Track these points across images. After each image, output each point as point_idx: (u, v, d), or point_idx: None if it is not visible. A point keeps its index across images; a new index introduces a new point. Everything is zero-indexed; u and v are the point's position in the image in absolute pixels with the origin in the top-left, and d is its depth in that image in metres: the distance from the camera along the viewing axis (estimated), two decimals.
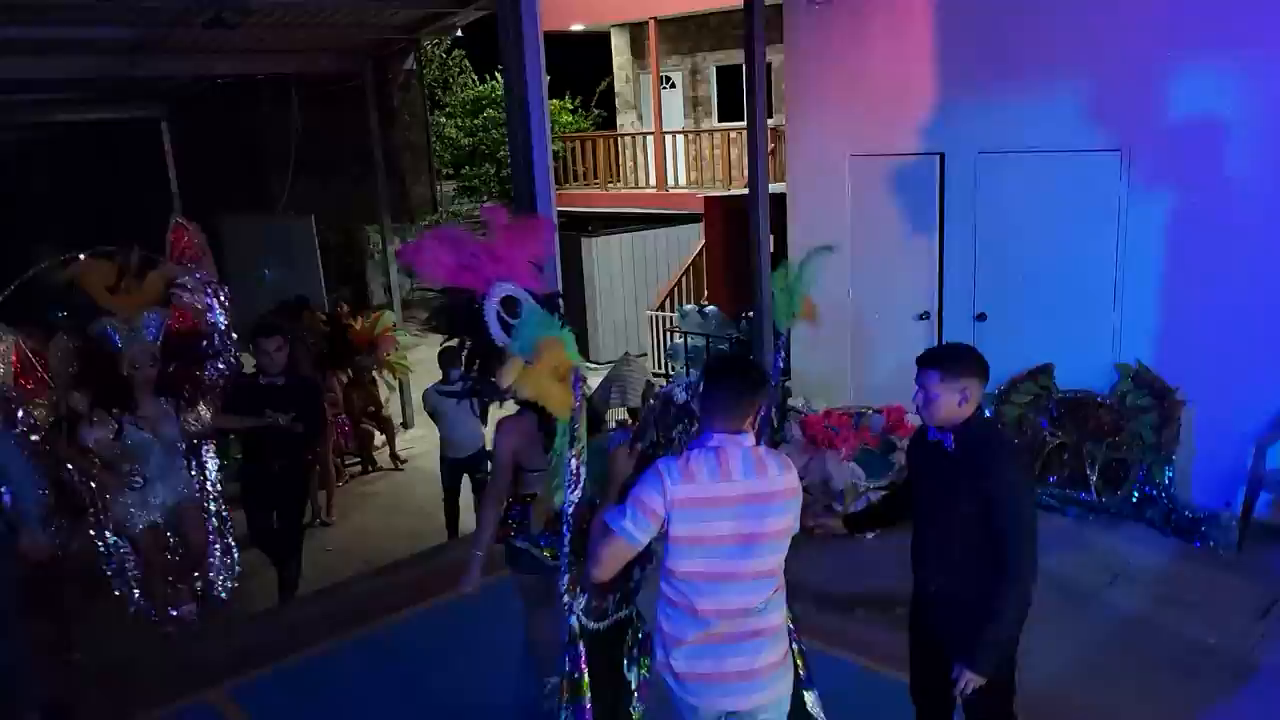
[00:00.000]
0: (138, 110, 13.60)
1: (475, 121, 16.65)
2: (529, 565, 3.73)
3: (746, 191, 7.33)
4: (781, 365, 4.06)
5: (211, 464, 5.47)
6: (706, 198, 10.40)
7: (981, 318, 6.82)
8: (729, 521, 2.70)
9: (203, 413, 5.15)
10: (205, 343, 5.30)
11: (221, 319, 5.37)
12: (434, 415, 6.90)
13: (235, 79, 11.69)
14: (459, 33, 15.75)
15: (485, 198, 17.18)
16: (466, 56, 16.91)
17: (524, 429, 3.67)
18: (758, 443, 2.87)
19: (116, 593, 5.08)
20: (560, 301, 3.78)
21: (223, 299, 5.38)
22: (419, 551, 6.39)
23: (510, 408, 3.61)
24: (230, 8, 8.00)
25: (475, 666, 4.67)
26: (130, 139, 14.44)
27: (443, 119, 16.45)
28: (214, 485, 5.46)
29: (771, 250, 7.37)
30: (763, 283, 7.02)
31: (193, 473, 5.34)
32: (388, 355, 9.36)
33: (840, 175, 7.41)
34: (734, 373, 2.87)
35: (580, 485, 2.92)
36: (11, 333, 4.84)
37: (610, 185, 16.52)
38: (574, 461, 2.88)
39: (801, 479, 3.17)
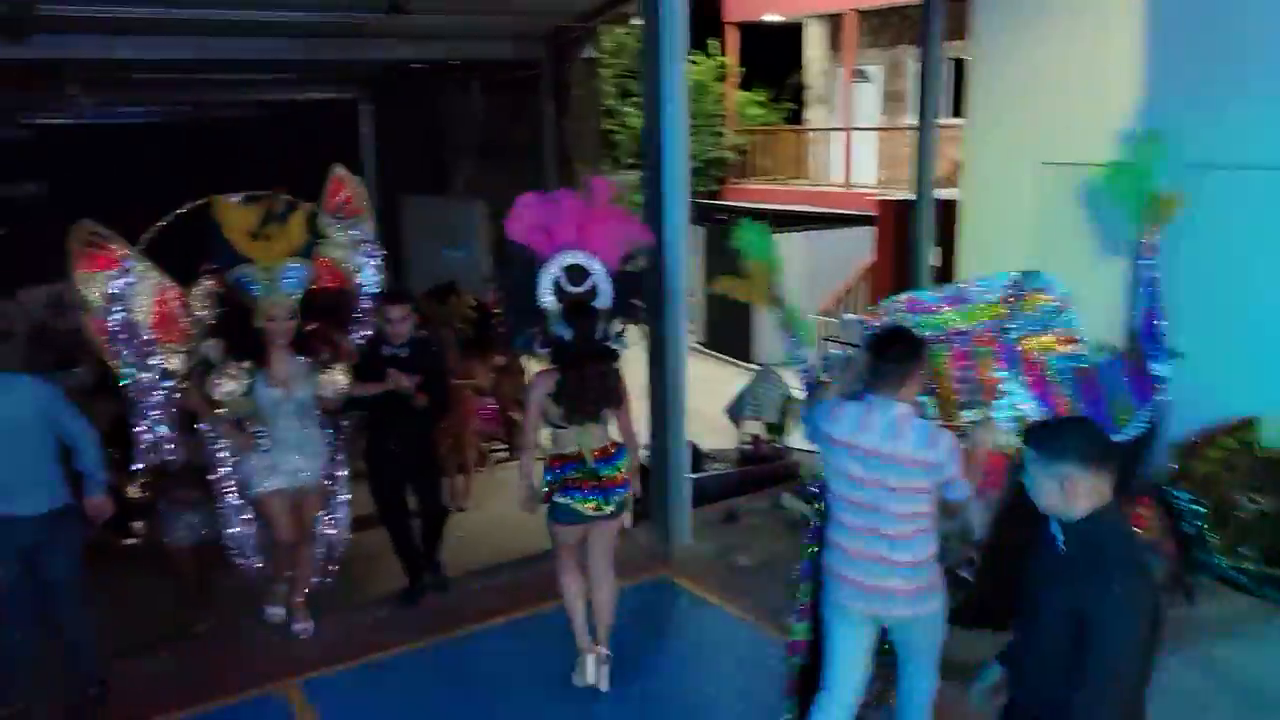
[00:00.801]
0: (339, 92, 14.21)
1: None
2: (569, 518, 4.15)
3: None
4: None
5: (340, 446, 5.10)
6: (881, 200, 9.74)
7: (1176, 356, 5.92)
8: (858, 465, 3.21)
9: (339, 378, 4.66)
10: (352, 305, 4.99)
11: (373, 283, 5.04)
12: None
13: (426, 64, 11.98)
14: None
15: None
16: None
17: (551, 384, 4.05)
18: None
19: (239, 561, 4.91)
20: (639, 289, 4.40)
21: (376, 261, 5.05)
22: (530, 555, 6.19)
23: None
24: None
25: (553, 689, 4.40)
26: (332, 119, 15.14)
27: (630, 109, 16.32)
28: (343, 470, 5.13)
29: (937, 263, 6.75)
30: None
31: (327, 449, 4.91)
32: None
33: (1023, 184, 6.65)
34: (894, 346, 3.25)
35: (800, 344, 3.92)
36: (156, 274, 4.56)
37: (793, 181, 15.95)
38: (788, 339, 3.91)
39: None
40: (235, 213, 4.45)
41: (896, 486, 3.17)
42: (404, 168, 13.04)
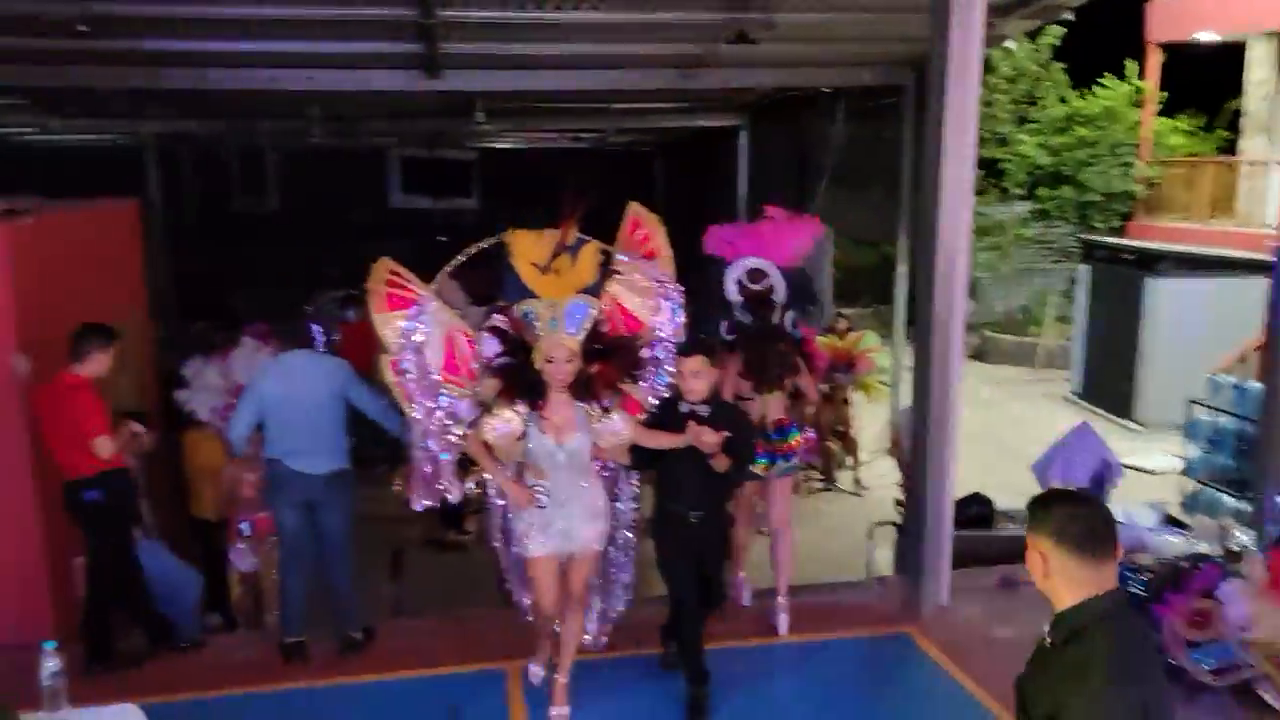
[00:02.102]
0: (723, 120, 14.86)
1: (1061, 140, 15.20)
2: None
3: None
4: None
5: (627, 502, 4.65)
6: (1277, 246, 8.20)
7: None
8: None
9: (620, 427, 4.20)
10: (644, 351, 4.44)
11: (668, 329, 4.48)
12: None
13: (799, 91, 12.17)
14: (1056, 41, 14.62)
15: (1060, 223, 15.69)
16: (1065, 70, 15.46)
17: (739, 362, 4.84)
18: None
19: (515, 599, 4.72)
20: (809, 285, 5.27)
21: (675, 305, 4.49)
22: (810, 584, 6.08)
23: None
24: (752, 24, 8.31)
25: None
26: (718, 145, 15.91)
27: (1023, 136, 15.29)
28: (627, 528, 4.68)
29: None
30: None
31: (612, 505, 4.48)
32: (863, 375, 9.15)
33: None
34: None
35: None
36: (448, 314, 4.30)
37: (1214, 220, 13.93)
38: None
39: (1241, 630, 3.73)
40: (527, 243, 4.14)
41: None
42: (770, 193, 13.36)
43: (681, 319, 4.54)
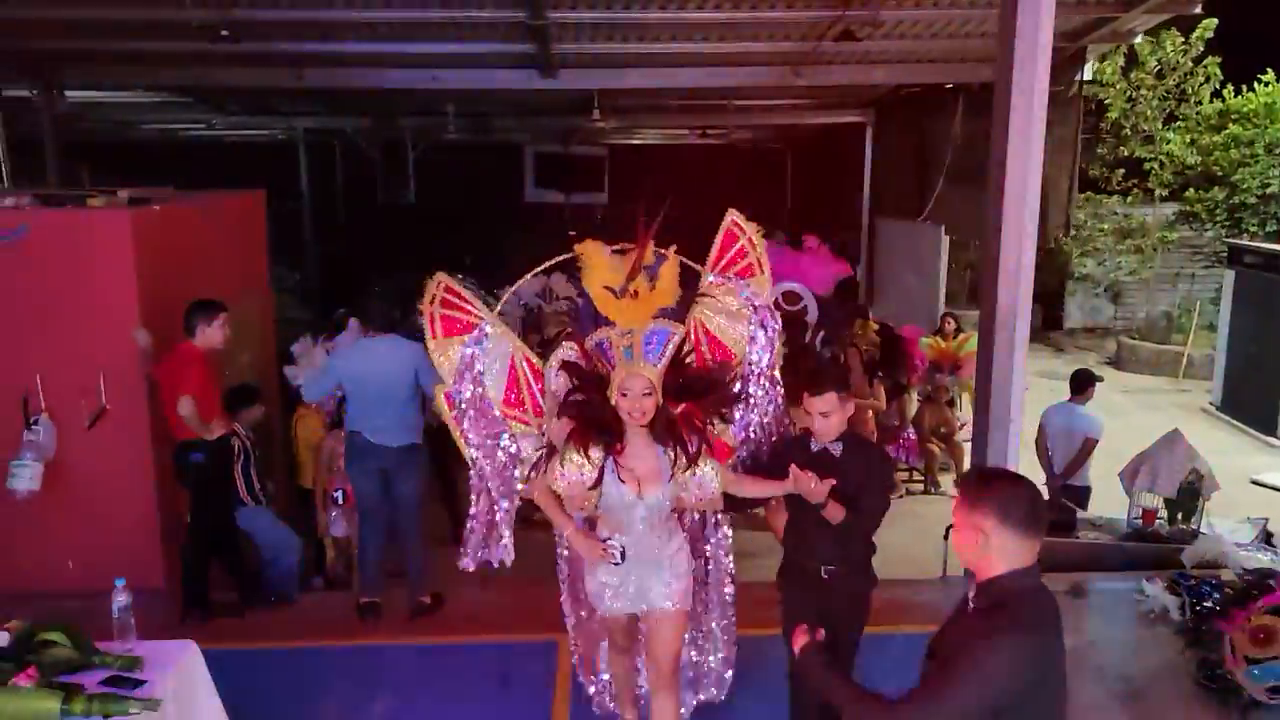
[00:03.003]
0: (849, 116, 14.75)
1: (1214, 139, 14.31)
2: None
3: None
4: None
5: (721, 552, 4.08)
6: None
7: None
8: None
9: (709, 479, 3.58)
10: (735, 383, 3.84)
11: (765, 358, 3.89)
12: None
13: (923, 88, 11.99)
14: (1209, 33, 13.75)
15: (1209, 226, 14.81)
16: (1220, 64, 14.48)
17: None
18: None
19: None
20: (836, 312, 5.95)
21: (771, 331, 3.89)
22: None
23: None
24: (858, 21, 8.30)
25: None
26: (847, 143, 15.80)
27: (1169, 134, 14.46)
28: (729, 586, 4.11)
29: None
30: None
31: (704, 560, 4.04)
32: (968, 378, 8.97)
33: None
34: None
35: None
36: (510, 341, 3.79)
37: None
38: None
39: None
40: (601, 263, 3.59)
41: None
42: (889, 191, 13.20)
43: (778, 347, 3.93)
